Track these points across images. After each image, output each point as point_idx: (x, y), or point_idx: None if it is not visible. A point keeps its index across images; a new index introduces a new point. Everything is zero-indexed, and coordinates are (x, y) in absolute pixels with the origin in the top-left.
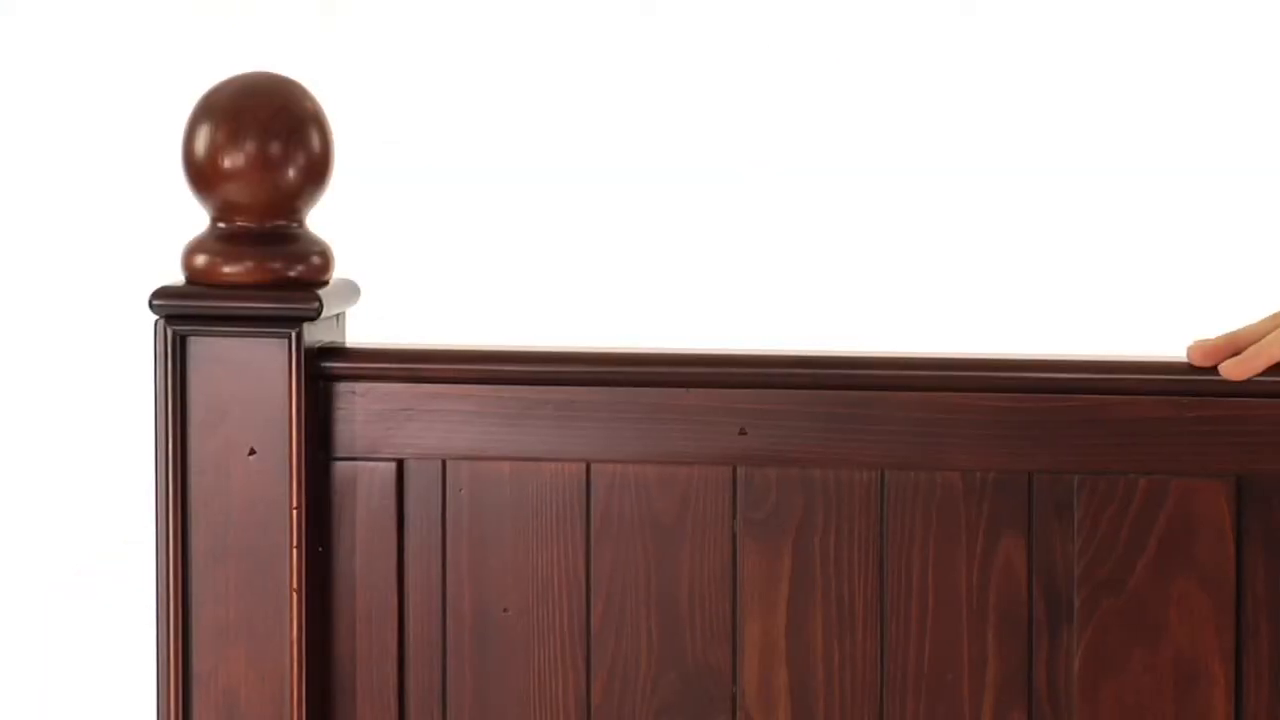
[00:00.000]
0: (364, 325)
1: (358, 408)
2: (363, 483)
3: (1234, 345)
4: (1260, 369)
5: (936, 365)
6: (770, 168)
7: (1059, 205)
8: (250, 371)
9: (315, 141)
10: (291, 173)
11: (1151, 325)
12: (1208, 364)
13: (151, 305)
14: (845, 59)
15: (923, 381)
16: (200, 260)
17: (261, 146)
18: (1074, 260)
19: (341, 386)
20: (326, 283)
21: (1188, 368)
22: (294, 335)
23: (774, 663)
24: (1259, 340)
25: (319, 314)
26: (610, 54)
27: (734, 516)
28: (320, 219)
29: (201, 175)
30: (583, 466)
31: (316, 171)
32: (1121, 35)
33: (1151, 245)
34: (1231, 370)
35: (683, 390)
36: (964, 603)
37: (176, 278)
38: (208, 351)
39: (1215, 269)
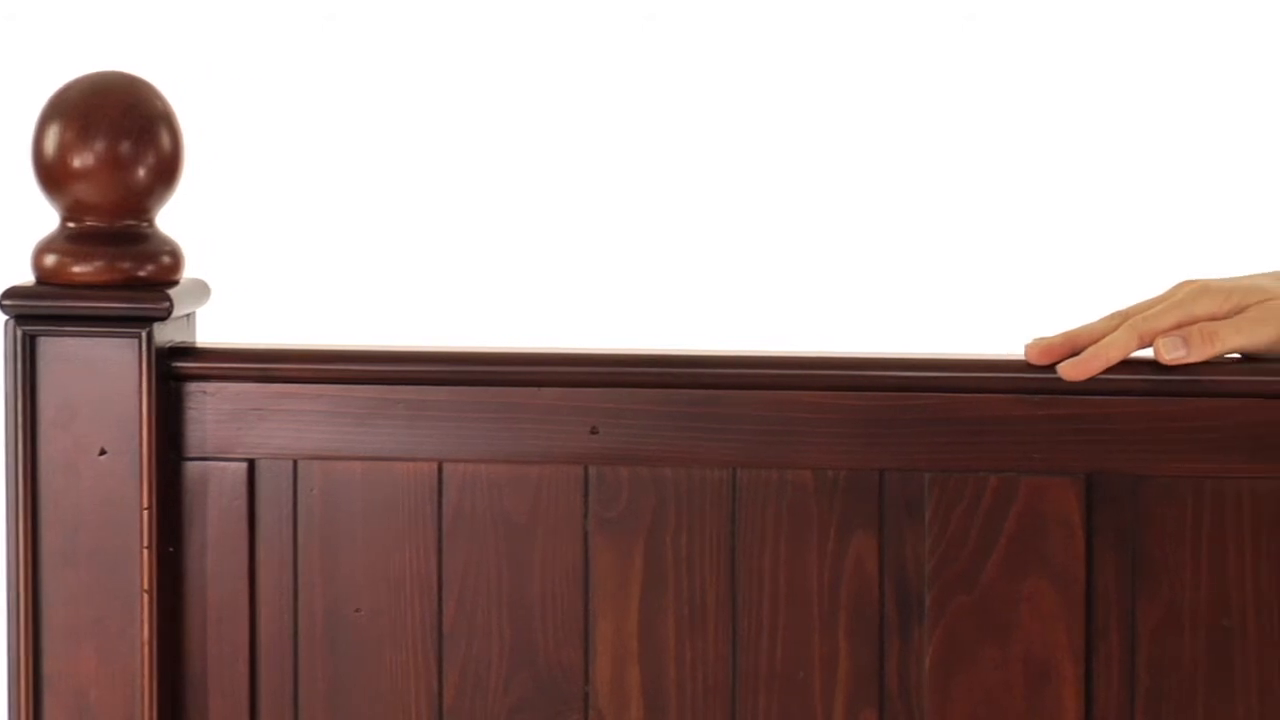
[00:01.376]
0: (218, 325)
1: (209, 408)
2: (214, 483)
3: (1071, 344)
4: (1098, 370)
5: (788, 364)
6: (754, 172)
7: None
8: (100, 371)
9: (165, 141)
10: (141, 172)
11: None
12: (1044, 362)
13: (1, 305)
14: (846, 64)
15: (774, 380)
16: (50, 260)
17: (111, 145)
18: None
19: (192, 386)
20: (177, 282)
21: (1036, 365)
22: (144, 335)
23: (626, 662)
24: (1097, 340)
25: (169, 314)
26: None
27: (586, 516)
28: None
29: (51, 175)
30: (434, 466)
31: (167, 171)
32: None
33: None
34: (1069, 371)
35: (534, 389)
36: (815, 601)
37: (28, 277)
38: (58, 351)
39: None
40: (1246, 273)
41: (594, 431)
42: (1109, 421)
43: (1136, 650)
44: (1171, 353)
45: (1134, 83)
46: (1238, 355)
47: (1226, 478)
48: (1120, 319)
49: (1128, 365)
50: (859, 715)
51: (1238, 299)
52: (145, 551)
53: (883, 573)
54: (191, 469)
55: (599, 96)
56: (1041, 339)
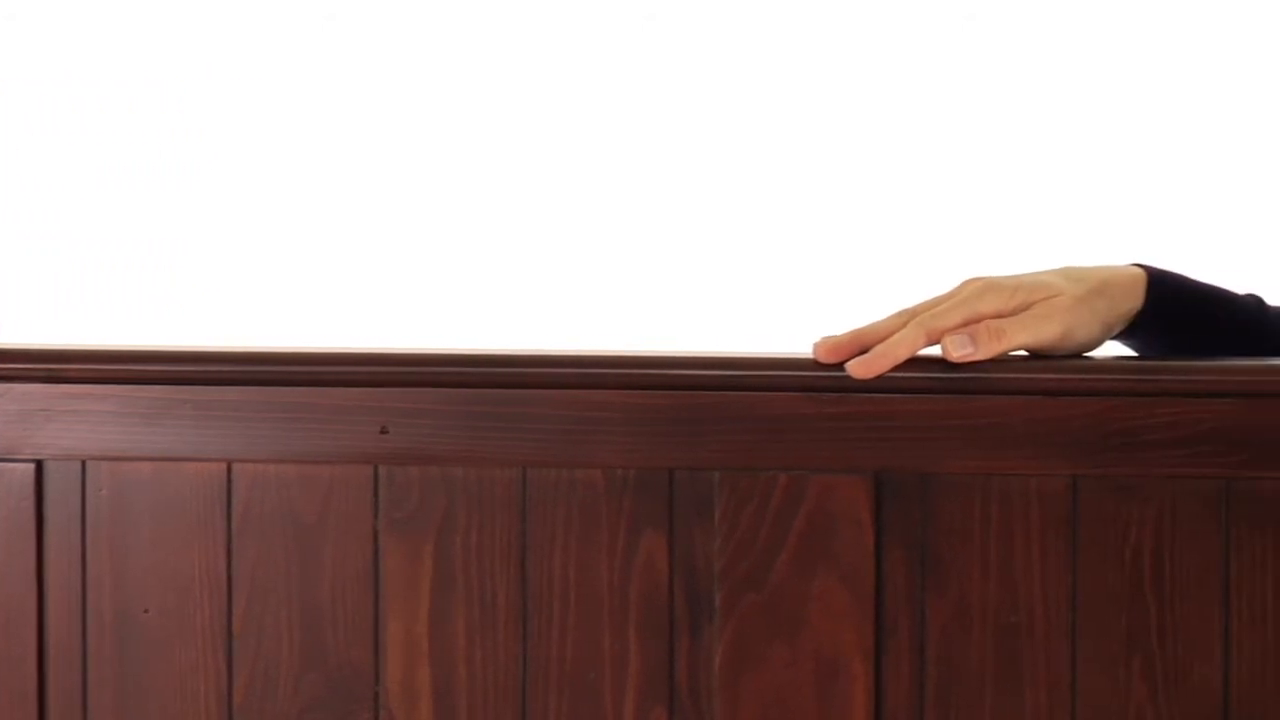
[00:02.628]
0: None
1: None
2: (1, 484)
3: (859, 342)
4: (886, 368)
5: (576, 363)
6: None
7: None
8: None
9: None
10: None
11: None
12: (833, 360)
13: None
14: (846, 64)
15: (563, 379)
16: None
17: None
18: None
19: None
20: None
21: (828, 363)
22: None
23: (416, 661)
24: (884, 338)
25: None
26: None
27: (376, 515)
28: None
29: None
30: (224, 466)
31: None
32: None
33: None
34: (857, 369)
35: (324, 389)
36: (606, 600)
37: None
38: None
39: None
40: (1033, 269)
41: (384, 431)
42: (897, 420)
43: (925, 647)
44: (958, 350)
45: (1133, 83)
46: (1024, 352)
47: (1013, 475)
48: (908, 316)
49: (915, 363)
50: (649, 714)
51: (1023, 296)
52: None
53: (673, 572)
54: None
55: (599, 96)
56: (829, 337)
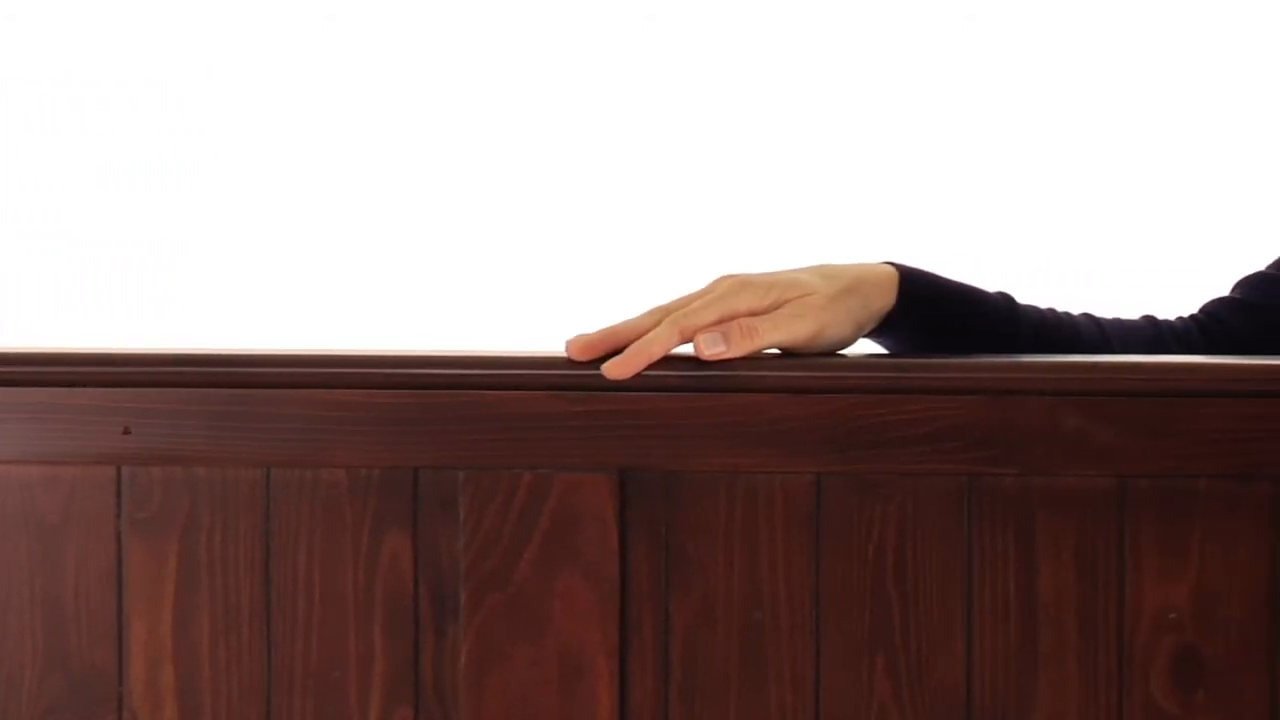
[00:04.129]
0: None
1: None
2: None
3: (612, 340)
4: (640, 367)
5: (318, 362)
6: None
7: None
8: None
9: None
10: None
11: None
12: (585, 358)
13: None
14: (846, 64)
15: (305, 379)
16: None
17: None
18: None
19: None
20: None
21: (574, 361)
22: None
23: (160, 662)
24: (637, 336)
25: None
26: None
27: (119, 516)
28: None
29: None
30: None
31: None
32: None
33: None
34: (613, 370)
35: (66, 389)
36: (350, 600)
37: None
38: None
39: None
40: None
41: (126, 432)
42: (642, 417)
43: (670, 645)
44: (711, 348)
45: (1133, 83)
46: (776, 351)
47: (758, 473)
48: (661, 314)
49: (668, 361)
50: (394, 713)
51: (777, 294)
52: None
53: (417, 571)
54: None
55: (599, 96)
56: (582, 335)
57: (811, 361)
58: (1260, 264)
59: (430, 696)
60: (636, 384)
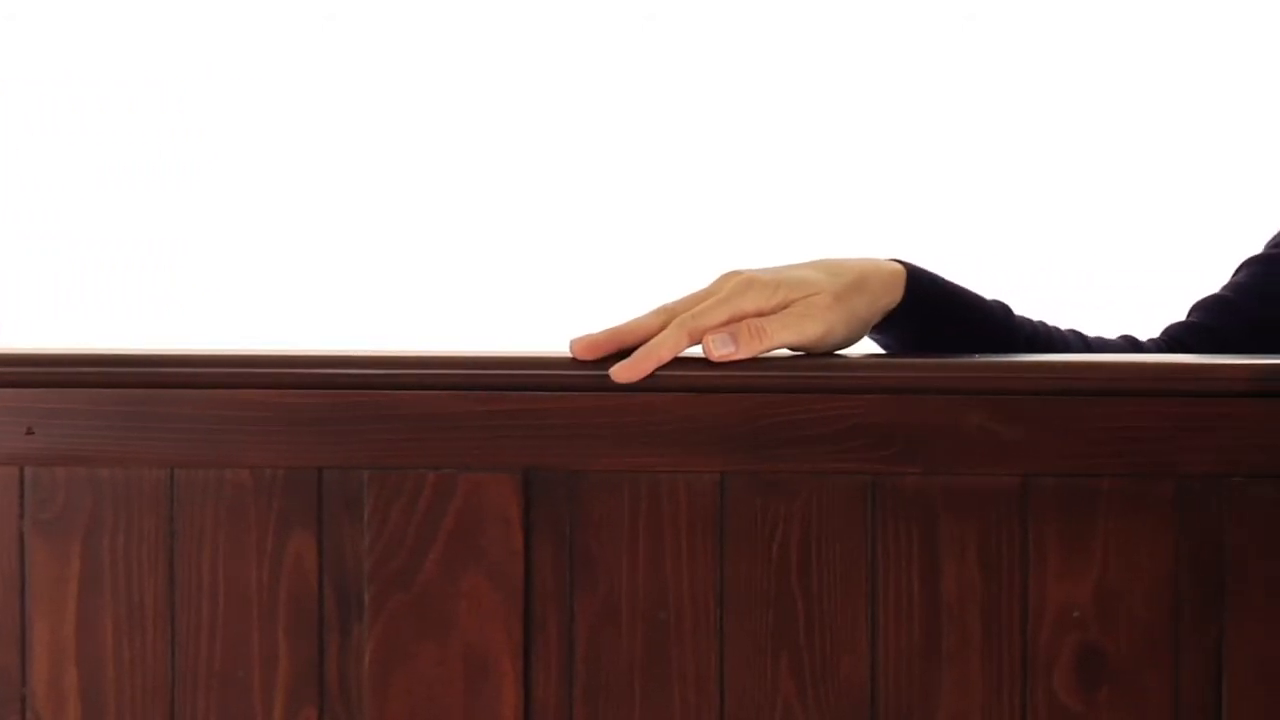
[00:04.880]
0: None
1: None
2: None
3: (617, 341)
4: (650, 370)
5: (222, 362)
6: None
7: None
8: None
9: None
10: None
11: None
12: (590, 358)
13: None
14: (846, 64)
15: (209, 379)
16: None
17: None
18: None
19: None
20: None
21: (477, 361)
22: None
23: (64, 663)
24: (642, 337)
25: None
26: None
27: (22, 517)
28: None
29: None
30: None
31: None
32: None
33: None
34: (622, 374)
35: None
36: (255, 600)
37: None
38: None
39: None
40: (787, 262)
41: (29, 432)
42: (546, 417)
43: (574, 644)
44: (720, 350)
45: (1133, 83)
46: (786, 350)
47: (662, 472)
48: (666, 315)
49: (678, 363)
50: (299, 713)
51: (784, 294)
52: None
53: (322, 571)
54: None
55: (598, 96)
56: (586, 335)
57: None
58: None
59: (335, 696)
60: (537, 383)
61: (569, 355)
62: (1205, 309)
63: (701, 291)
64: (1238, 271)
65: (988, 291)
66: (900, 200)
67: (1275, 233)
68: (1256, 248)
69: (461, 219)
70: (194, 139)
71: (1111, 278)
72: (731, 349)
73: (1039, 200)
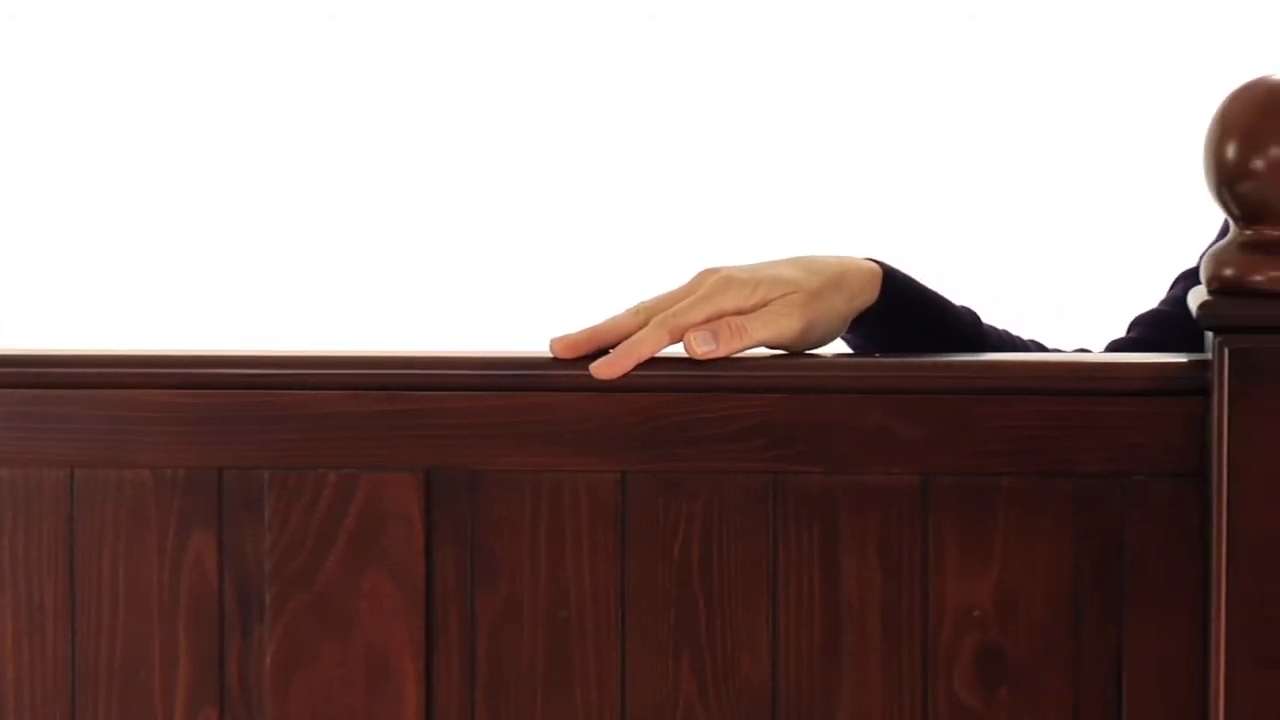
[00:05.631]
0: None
1: None
2: None
3: (597, 340)
4: (630, 368)
5: (125, 362)
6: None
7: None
8: None
9: None
10: None
11: None
12: (569, 357)
13: None
14: (846, 64)
15: (109, 379)
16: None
17: None
18: None
19: None
20: None
21: (377, 361)
22: None
23: None
24: (621, 335)
25: None
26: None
27: None
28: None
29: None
30: None
31: None
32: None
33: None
34: (602, 370)
35: None
36: (155, 601)
37: None
38: None
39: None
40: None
41: None
42: (447, 417)
43: (476, 644)
44: (702, 347)
45: (1133, 82)
46: (765, 349)
47: (563, 471)
48: (646, 313)
49: (658, 361)
50: (199, 714)
51: (763, 292)
52: None
53: (223, 571)
54: None
55: (598, 96)
56: (566, 335)
57: None
58: None
59: (236, 697)
60: (437, 383)
61: (471, 355)
62: (1143, 324)
63: (679, 290)
64: (1173, 285)
65: (986, 292)
66: (900, 200)
67: (1207, 245)
68: (1191, 260)
69: (461, 218)
70: (194, 139)
71: (1111, 278)
72: (713, 346)
73: (1039, 200)
